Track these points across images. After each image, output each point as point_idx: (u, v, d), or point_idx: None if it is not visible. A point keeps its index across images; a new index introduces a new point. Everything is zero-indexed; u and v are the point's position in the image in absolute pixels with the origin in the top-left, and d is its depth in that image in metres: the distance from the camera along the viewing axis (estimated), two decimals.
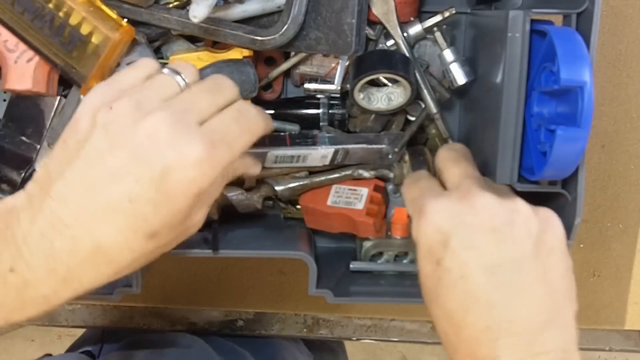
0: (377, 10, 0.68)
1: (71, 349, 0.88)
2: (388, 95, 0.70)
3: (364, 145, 0.70)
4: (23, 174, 0.69)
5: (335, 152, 0.69)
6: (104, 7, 0.62)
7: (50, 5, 0.61)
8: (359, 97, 0.68)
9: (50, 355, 0.81)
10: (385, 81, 0.69)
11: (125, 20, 0.63)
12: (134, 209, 0.44)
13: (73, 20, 0.61)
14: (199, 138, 0.45)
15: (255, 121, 0.52)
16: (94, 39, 0.62)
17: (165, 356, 0.75)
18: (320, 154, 0.69)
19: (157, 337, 0.80)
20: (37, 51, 0.63)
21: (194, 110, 0.48)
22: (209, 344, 0.80)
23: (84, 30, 0.61)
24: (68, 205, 0.44)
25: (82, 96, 0.65)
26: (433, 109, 0.71)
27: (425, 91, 0.70)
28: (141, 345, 0.76)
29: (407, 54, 0.69)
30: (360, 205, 0.69)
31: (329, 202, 0.70)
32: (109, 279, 0.47)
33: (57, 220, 0.44)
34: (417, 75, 0.69)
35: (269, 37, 0.63)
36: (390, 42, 0.70)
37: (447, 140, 0.74)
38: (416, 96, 0.69)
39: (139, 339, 0.80)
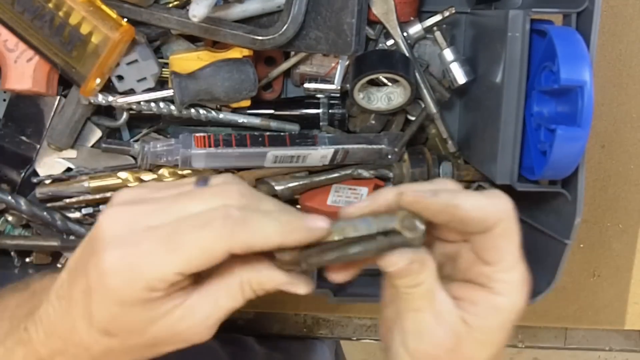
0: (377, 10, 0.68)
1: None
2: (388, 95, 0.70)
3: (364, 145, 0.70)
4: (23, 174, 0.69)
5: (335, 152, 0.69)
6: (103, 7, 0.62)
7: (50, 5, 0.61)
8: (359, 96, 0.68)
9: None
10: (385, 81, 0.69)
11: (125, 20, 0.62)
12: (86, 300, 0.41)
13: (73, 20, 0.61)
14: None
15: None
16: (94, 39, 0.62)
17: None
18: (320, 154, 0.69)
19: None
20: (37, 51, 0.63)
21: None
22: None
23: (84, 29, 0.61)
24: None
25: (81, 96, 0.65)
26: (433, 108, 0.71)
27: (424, 91, 0.70)
28: None
29: (407, 54, 0.69)
30: None
31: (329, 202, 0.70)
32: None
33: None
34: (417, 75, 0.69)
35: (268, 37, 0.63)
36: (390, 42, 0.70)
37: (446, 140, 0.74)
38: (416, 96, 0.69)
39: None
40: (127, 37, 0.62)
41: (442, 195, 0.41)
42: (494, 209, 0.42)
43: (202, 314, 0.41)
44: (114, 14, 0.62)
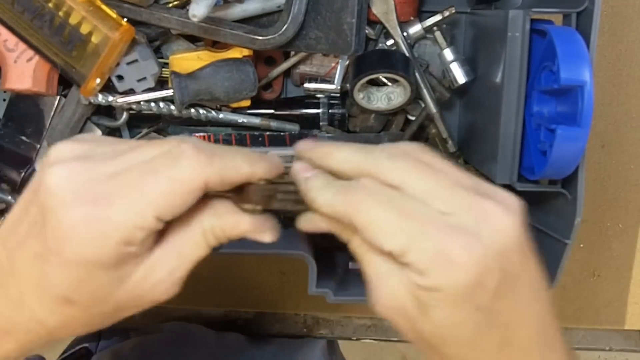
0: (376, 10, 0.68)
1: (70, 346, 0.88)
2: (388, 95, 0.70)
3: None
4: (23, 174, 0.69)
5: None
6: (103, 7, 0.62)
7: (50, 5, 0.61)
8: (359, 96, 0.68)
9: (43, 358, 0.81)
10: (385, 81, 0.69)
11: (125, 19, 0.62)
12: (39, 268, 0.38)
13: (73, 20, 0.61)
14: None
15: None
16: (94, 39, 0.62)
17: (157, 346, 0.75)
18: None
19: (151, 330, 0.80)
20: (36, 50, 0.63)
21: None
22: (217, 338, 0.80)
23: (84, 29, 0.61)
24: None
25: (81, 96, 0.65)
26: (432, 108, 0.71)
27: (424, 91, 0.70)
28: (127, 348, 0.76)
29: (407, 54, 0.69)
30: None
31: None
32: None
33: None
34: (417, 75, 0.69)
35: (268, 37, 0.63)
36: (390, 42, 0.70)
37: (446, 140, 0.74)
38: (416, 96, 0.69)
39: (127, 341, 0.80)
40: (127, 37, 0.62)
41: (324, 147, 0.41)
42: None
43: (167, 268, 0.39)
44: (114, 14, 0.62)
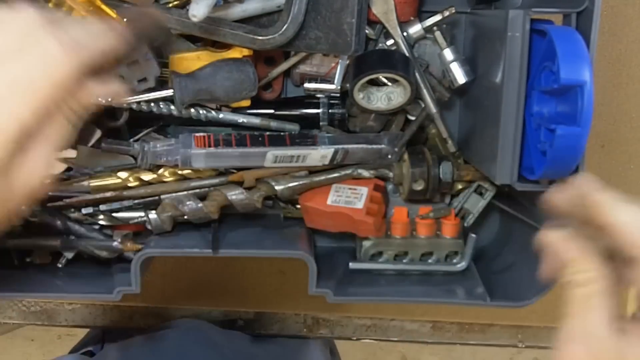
0: (376, 10, 0.68)
1: (74, 350, 0.88)
2: (388, 95, 0.70)
3: (364, 145, 0.70)
4: None
5: (335, 152, 0.69)
6: (104, 7, 0.61)
7: (50, 5, 0.61)
8: (359, 96, 0.68)
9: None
10: (385, 81, 0.69)
11: (125, 20, 0.62)
12: None
13: None
14: None
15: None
16: None
17: (160, 350, 0.75)
18: (320, 154, 0.69)
19: (155, 334, 0.80)
20: None
21: None
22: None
23: None
24: None
25: None
26: (432, 108, 0.71)
27: (424, 91, 0.70)
28: (138, 342, 0.76)
29: (407, 54, 0.69)
30: (360, 205, 0.69)
31: (328, 202, 0.70)
32: None
33: None
34: (417, 75, 0.69)
35: (269, 37, 0.63)
36: (390, 42, 0.70)
37: (446, 140, 0.74)
38: (416, 96, 0.69)
39: (138, 336, 0.80)
40: None
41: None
42: None
43: (41, 157, 0.42)
44: (114, 14, 0.62)
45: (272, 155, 0.68)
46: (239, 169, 0.71)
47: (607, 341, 0.36)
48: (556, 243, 0.39)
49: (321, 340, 0.91)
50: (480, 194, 0.75)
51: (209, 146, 0.67)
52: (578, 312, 0.37)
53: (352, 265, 0.72)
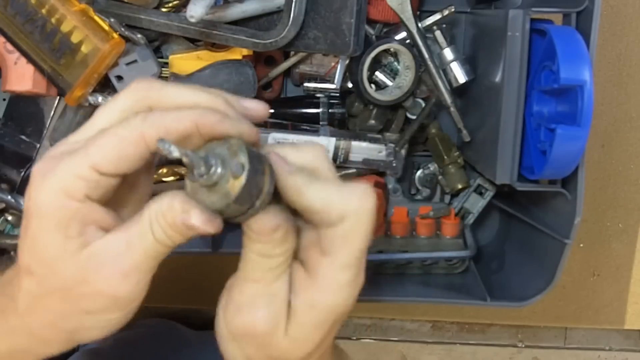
0: (391, 2, 0.68)
1: (73, 349, 0.88)
2: (393, 75, 0.70)
3: (365, 143, 0.70)
4: (22, 173, 0.69)
5: (336, 152, 0.69)
6: (96, 18, 0.61)
7: (43, 11, 0.61)
8: (369, 86, 0.68)
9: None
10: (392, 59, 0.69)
11: (124, 25, 0.62)
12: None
13: (65, 28, 0.61)
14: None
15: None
16: (84, 48, 0.61)
17: (139, 342, 0.75)
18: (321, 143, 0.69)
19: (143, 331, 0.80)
20: (25, 55, 0.62)
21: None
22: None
23: (75, 38, 0.61)
24: None
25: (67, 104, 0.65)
26: (447, 99, 0.70)
27: (439, 81, 0.69)
28: (125, 340, 0.76)
29: (421, 45, 0.68)
30: None
31: None
32: None
33: None
34: (431, 66, 0.68)
35: (270, 40, 0.63)
36: (399, 36, 0.70)
37: (460, 129, 0.72)
38: (430, 87, 0.68)
39: (126, 334, 0.79)
40: (117, 50, 0.62)
41: (298, 178, 0.37)
42: (341, 205, 0.37)
43: (113, 253, 0.37)
44: (106, 26, 0.62)
45: (272, 139, 0.68)
46: None
47: None
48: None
49: None
50: (480, 193, 0.75)
51: None
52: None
53: None
